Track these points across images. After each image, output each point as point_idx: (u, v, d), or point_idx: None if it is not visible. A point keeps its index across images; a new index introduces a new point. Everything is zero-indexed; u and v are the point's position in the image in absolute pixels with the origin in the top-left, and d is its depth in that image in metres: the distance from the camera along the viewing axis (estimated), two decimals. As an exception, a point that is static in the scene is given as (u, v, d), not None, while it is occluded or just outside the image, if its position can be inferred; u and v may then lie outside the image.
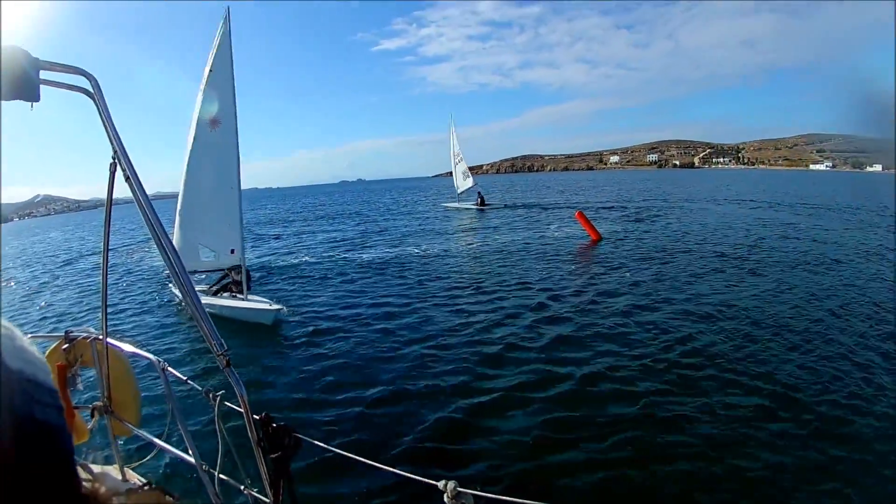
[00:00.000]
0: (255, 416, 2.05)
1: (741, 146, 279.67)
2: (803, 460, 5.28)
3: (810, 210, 31.37)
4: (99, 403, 2.86)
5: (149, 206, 1.91)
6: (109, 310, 2.75)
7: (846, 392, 6.71)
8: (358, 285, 14.41)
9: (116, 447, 2.93)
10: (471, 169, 40.37)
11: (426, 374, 7.82)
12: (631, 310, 10.68)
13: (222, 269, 11.55)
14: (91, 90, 1.88)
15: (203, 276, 12.60)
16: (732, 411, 6.29)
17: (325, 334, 10.00)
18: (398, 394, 7.18)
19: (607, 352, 8.39)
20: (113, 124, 1.92)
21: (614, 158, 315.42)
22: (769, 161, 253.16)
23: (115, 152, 1.95)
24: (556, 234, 23.40)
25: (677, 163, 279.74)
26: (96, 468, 2.87)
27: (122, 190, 2.11)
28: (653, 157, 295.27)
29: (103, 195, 2.26)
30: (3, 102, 1.52)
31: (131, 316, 12.52)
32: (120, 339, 2.82)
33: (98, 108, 1.90)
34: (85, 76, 1.85)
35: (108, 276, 2.59)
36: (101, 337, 2.71)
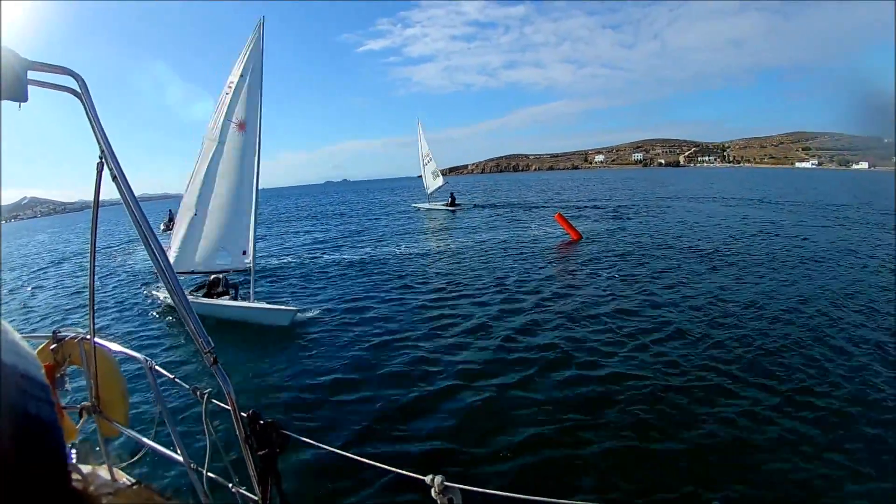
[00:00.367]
0: (242, 414, 2.06)
1: (726, 145, 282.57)
2: (776, 447, 5.40)
3: (793, 207, 31.83)
4: (87, 403, 2.85)
5: (136, 206, 1.92)
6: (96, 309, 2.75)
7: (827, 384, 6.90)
8: (338, 285, 14.52)
9: (105, 447, 2.92)
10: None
11: (412, 370, 7.89)
12: (616, 308, 10.81)
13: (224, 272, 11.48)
14: (78, 90, 1.89)
15: (182, 279, 12.51)
16: (731, 409, 6.41)
17: (310, 334, 10.01)
18: (383, 391, 7.22)
19: (592, 350, 8.49)
20: (100, 124, 1.93)
21: (599, 158, 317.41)
22: (755, 159, 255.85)
23: (102, 152, 1.95)
24: (536, 233, 23.45)
25: (662, 161, 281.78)
26: (85, 468, 2.86)
27: (108, 192, 2.11)
28: (638, 156, 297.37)
29: (90, 197, 2.26)
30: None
31: (116, 316, 12.44)
32: (107, 339, 2.81)
33: (85, 108, 1.91)
34: (72, 76, 1.86)
35: (95, 276, 2.59)
36: (88, 336, 2.71)
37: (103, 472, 2.91)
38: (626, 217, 29.01)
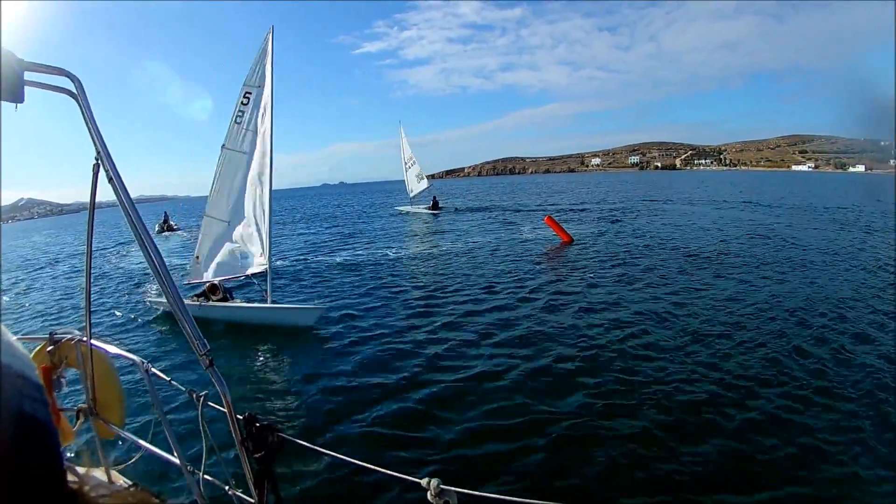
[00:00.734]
0: (238, 416, 2.06)
1: (723, 147, 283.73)
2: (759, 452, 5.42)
3: (788, 210, 31.86)
4: (84, 405, 2.84)
5: (132, 207, 1.92)
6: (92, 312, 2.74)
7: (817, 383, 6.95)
8: (330, 287, 14.62)
9: (101, 449, 2.91)
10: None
11: (408, 374, 7.86)
12: (607, 308, 10.92)
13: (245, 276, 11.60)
14: (75, 91, 1.89)
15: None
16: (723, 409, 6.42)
17: (306, 337, 10.00)
18: (380, 393, 7.21)
19: (589, 349, 8.51)
20: (96, 125, 1.93)
21: (596, 161, 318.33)
22: (751, 162, 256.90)
23: (99, 153, 1.95)
24: (527, 236, 23.46)
25: (659, 164, 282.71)
26: (81, 470, 2.85)
27: (105, 193, 2.11)
28: (634, 159, 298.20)
29: (86, 199, 2.26)
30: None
31: (112, 317, 12.42)
32: (104, 341, 2.80)
33: (81, 109, 1.91)
34: (69, 77, 1.86)
35: (91, 278, 2.58)
36: (85, 338, 2.70)
37: (100, 473, 2.90)
38: (619, 220, 29.11)
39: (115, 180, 1.94)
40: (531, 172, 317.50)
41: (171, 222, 38.37)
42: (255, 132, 11.22)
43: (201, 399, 2.28)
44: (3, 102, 1.59)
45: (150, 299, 12.82)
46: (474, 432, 6.04)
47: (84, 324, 2.67)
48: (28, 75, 1.66)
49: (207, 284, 11.09)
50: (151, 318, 12.04)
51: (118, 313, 12.92)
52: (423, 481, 1.99)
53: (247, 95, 11.23)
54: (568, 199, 50.47)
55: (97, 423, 2.86)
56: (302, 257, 20.65)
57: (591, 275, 14.45)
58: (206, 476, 2.40)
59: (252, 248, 11.33)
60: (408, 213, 40.06)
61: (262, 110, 11.19)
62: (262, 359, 9.14)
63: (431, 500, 1.97)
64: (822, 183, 76.76)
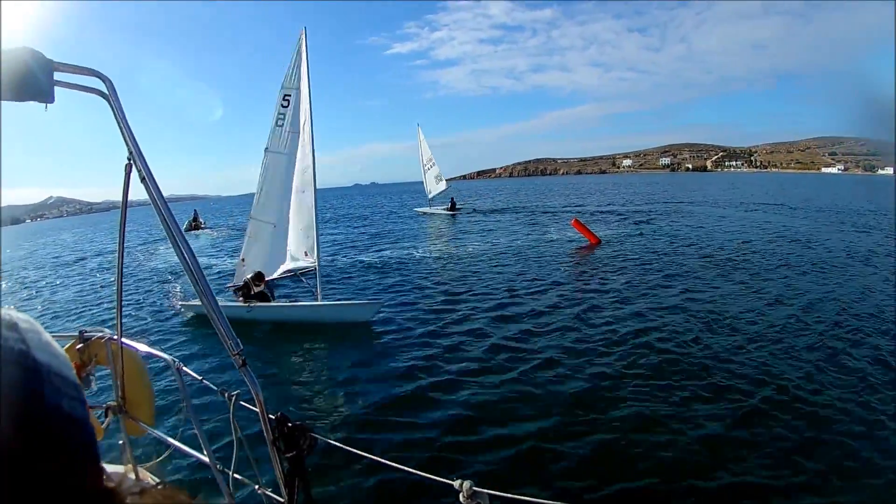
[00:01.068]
0: (270, 416, 2.05)
1: (753, 149, 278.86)
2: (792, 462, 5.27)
3: (822, 215, 30.81)
4: (113, 403, 2.87)
5: (165, 207, 1.91)
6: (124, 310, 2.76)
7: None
8: (360, 286, 14.70)
9: (130, 447, 2.94)
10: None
11: (443, 377, 7.74)
12: (634, 311, 10.72)
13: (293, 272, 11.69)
14: (106, 91, 1.88)
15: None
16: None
17: (337, 335, 10.02)
18: (413, 393, 7.18)
19: (618, 353, 8.40)
20: (128, 125, 1.92)
21: (627, 162, 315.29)
22: (781, 164, 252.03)
23: (131, 153, 1.95)
24: (554, 237, 23.27)
25: (689, 166, 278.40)
26: (109, 467, 2.88)
27: (134, 192, 2.11)
28: (665, 160, 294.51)
29: (115, 197, 2.27)
30: (18, 104, 1.53)
31: (143, 316, 12.61)
32: (134, 339, 2.82)
33: (113, 110, 1.90)
34: (100, 78, 1.85)
35: (123, 276, 2.60)
36: (115, 337, 2.72)
37: (128, 471, 2.93)
38: (648, 222, 28.59)
39: (148, 180, 1.93)
40: (562, 174, 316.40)
41: (200, 220, 39.43)
42: (297, 133, 11.38)
43: (233, 398, 2.27)
44: (33, 102, 1.59)
45: (181, 303, 12.68)
46: (509, 437, 5.90)
47: (114, 321, 2.69)
48: (59, 76, 1.66)
49: (252, 273, 10.97)
50: (181, 317, 12.15)
51: (147, 311, 13.09)
52: (456, 483, 1.97)
53: (286, 98, 11.36)
54: (595, 200, 49.91)
55: (126, 421, 2.89)
56: (330, 257, 20.68)
57: (627, 281, 13.81)
58: (235, 475, 2.40)
59: (299, 247, 11.46)
60: (426, 213, 40.31)
61: (301, 112, 11.32)
62: (295, 359, 9.14)
63: (463, 502, 1.95)
64: (849, 185, 74.31)
